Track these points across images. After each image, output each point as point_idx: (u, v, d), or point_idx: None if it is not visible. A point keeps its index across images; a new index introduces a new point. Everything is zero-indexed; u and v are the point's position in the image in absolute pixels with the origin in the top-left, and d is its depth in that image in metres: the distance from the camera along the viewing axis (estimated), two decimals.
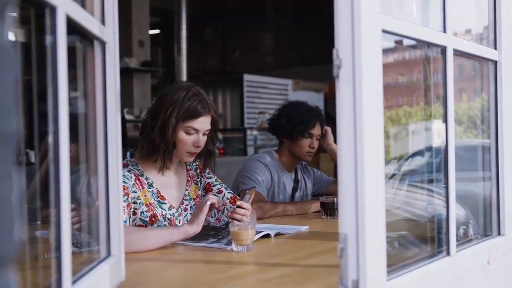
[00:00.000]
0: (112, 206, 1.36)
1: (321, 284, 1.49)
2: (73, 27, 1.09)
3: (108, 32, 1.35)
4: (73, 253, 1.06)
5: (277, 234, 2.18)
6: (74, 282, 1.07)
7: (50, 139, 0.98)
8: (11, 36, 0.61)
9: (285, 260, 1.78)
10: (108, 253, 1.36)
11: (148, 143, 2.19)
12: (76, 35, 1.22)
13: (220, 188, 2.38)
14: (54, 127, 0.98)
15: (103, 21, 1.33)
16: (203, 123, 2.19)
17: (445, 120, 1.50)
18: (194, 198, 2.35)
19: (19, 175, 0.57)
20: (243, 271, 1.69)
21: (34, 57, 1.06)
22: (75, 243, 1.29)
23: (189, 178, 2.36)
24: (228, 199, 2.35)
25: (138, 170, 2.21)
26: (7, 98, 0.56)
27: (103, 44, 1.33)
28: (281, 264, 1.72)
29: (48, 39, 0.98)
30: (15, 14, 0.64)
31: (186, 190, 2.34)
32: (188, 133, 2.18)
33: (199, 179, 2.39)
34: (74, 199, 1.16)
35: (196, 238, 2.02)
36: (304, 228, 2.35)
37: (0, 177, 0.53)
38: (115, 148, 1.37)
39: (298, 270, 1.65)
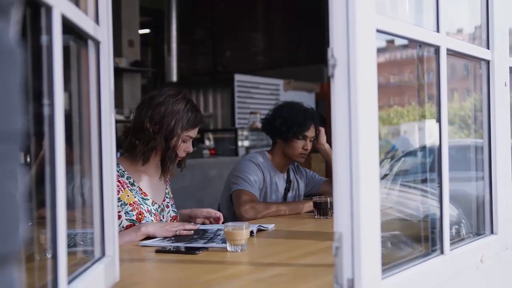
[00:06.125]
0: (107, 207, 1.36)
1: (316, 283, 1.49)
2: (67, 26, 1.09)
3: (102, 31, 1.34)
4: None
5: (259, 230, 2.24)
6: (69, 282, 1.07)
7: (46, 140, 0.97)
8: (16, 36, 0.60)
9: (279, 259, 1.78)
10: (103, 254, 1.35)
11: (151, 148, 2.23)
12: (69, 35, 1.21)
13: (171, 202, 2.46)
14: (50, 128, 0.97)
15: (97, 21, 1.33)
16: (197, 131, 2.33)
17: (439, 120, 1.51)
18: (172, 198, 2.44)
19: (23, 174, 0.57)
20: (238, 270, 1.68)
21: (29, 57, 1.05)
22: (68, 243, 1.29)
23: (167, 179, 2.45)
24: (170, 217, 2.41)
25: (118, 171, 2.23)
26: (13, 97, 0.56)
27: (97, 43, 1.32)
28: (275, 263, 1.72)
29: (43, 39, 0.98)
30: (20, 14, 0.64)
31: (166, 188, 2.42)
32: (184, 141, 2.27)
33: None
34: (67, 199, 1.16)
35: (189, 240, 2.02)
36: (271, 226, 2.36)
37: (6, 176, 0.53)
38: (110, 149, 1.36)
39: (293, 269, 1.65)
